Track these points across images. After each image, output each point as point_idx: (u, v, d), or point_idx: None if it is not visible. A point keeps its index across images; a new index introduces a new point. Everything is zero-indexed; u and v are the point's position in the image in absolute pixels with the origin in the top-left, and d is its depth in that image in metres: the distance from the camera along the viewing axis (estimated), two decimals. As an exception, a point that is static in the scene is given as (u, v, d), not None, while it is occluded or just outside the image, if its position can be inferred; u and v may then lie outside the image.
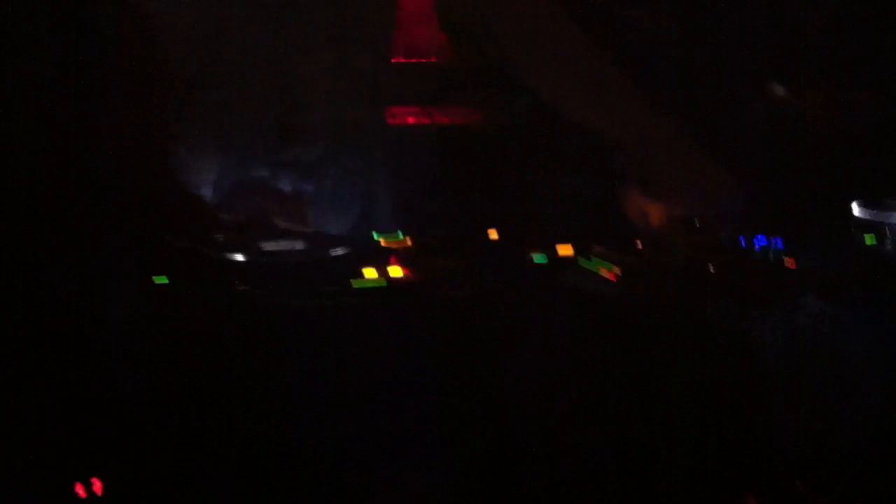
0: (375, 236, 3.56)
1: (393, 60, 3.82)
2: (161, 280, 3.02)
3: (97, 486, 2.57)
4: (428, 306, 3.03)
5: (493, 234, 3.61)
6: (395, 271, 3.21)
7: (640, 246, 3.62)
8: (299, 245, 3.18)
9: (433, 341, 2.90)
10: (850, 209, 3.86)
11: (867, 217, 3.93)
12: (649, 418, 2.86)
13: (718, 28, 3.62)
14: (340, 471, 2.74)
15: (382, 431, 2.72)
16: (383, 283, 3.13)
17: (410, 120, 3.95)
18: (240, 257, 3.11)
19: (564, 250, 3.55)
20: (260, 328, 2.84)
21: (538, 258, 3.43)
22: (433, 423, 2.78)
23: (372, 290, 3.07)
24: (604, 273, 3.42)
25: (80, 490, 2.57)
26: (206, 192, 3.42)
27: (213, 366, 2.79)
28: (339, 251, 3.35)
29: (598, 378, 2.94)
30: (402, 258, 3.33)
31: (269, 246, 3.15)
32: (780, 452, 2.83)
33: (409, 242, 3.53)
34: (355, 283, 3.07)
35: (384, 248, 3.46)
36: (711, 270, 3.50)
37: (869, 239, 3.74)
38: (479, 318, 2.98)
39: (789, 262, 3.56)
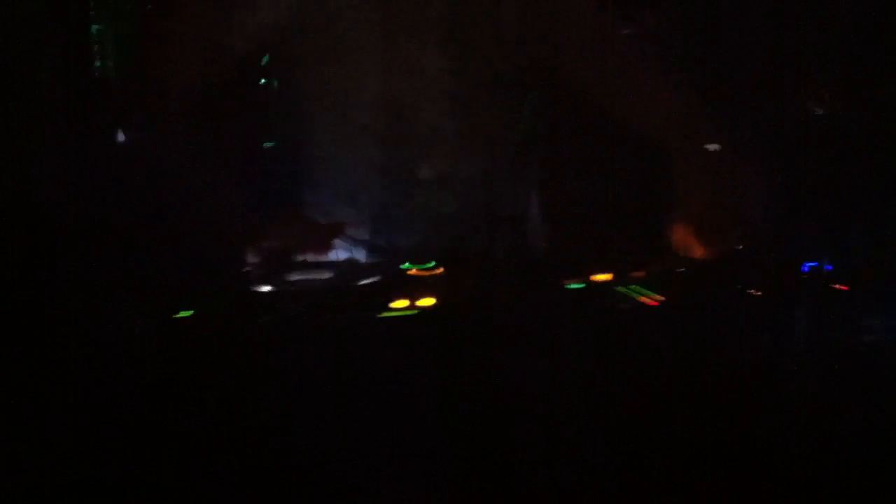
0: (406, 266, 3.47)
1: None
2: (185, 314, 2.95)
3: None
4: (458, 334, 2.92)
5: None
6: (426, 301, 3.11)
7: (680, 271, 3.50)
8: (326, 275, 3.11)
9: (462, 369, 2.79)
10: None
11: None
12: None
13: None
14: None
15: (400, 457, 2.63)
16: (414, 311, 3.04)
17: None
18: (265, 288, 3.04)
19: (602, 277, 3.44)
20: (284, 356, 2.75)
21: (573, 284, 3.32)
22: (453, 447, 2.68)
23: (401, 319, 2.97)
24: (644, 300, 3.30)
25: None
26: (234, 224, 3.37)
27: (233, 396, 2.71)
28: (368, 280, 3.26)
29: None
30: (434, 288, 3.23)
31: (295, 276, 3.08)
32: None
33: (441, 271, 3.44)
34: (383, 313, 2.98)
35: (415, 277, 3.37)
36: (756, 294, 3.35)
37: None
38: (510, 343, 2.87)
39: (840, 286, 3.41)
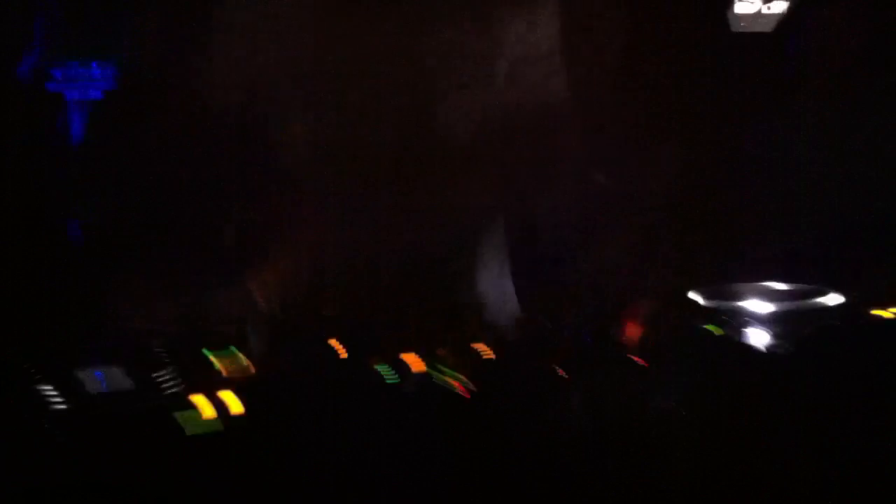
0: (207, 354, 3.24)
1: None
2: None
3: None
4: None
5: (341, 350, 3.37)
6: (235, 407, 2.90)
7: (491, 354, 3.48)
8: (124, 383, 2.82)
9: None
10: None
11: (710, 305, 3.94)
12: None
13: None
14: None
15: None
16: (220, 426, 2.80)
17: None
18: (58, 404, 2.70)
19: (413, 361, 3.35)
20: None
21: (389, 378, 3.21)
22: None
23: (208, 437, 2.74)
24: (457, 387, 3.24)
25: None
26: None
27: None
28: (166, 376, 3.02)
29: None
30: (241, 388, 3.02)
31: (91, 388, 2.77)
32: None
33: (246, 363, 3.24)
34: (189, 430, 2.73)
35: (217, 372, 3.15)
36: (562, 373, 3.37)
37: (715, 328, 3.74)
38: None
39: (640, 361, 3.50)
